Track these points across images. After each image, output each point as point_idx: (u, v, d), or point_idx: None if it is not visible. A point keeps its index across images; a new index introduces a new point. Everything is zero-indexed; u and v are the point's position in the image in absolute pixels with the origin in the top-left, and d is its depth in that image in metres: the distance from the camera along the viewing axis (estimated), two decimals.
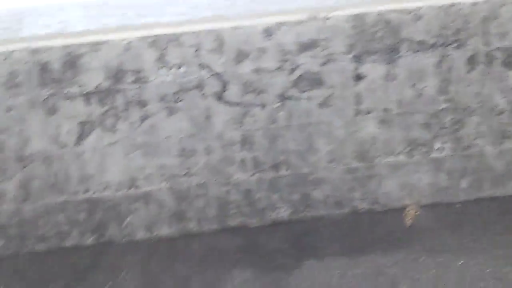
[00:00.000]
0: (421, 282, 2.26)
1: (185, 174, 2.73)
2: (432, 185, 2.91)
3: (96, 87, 2.55)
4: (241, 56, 2.59)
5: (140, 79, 2.57)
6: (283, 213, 2.89)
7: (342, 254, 2.52)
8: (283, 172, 2.80)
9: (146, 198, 2.75)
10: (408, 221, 2.78)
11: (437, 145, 2.83)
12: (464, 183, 2.91)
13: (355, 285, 2.27)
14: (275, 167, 2.79)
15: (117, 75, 2.56)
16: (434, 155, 2.85)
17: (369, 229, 2.72)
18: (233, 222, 2.87)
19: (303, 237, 2.72)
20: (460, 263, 2.35)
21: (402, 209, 2.87)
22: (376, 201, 2.92)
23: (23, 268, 2.66)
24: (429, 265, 2.36)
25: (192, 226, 2.85)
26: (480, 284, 2.21)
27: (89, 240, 2.82)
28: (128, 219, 2.80)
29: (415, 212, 2.83)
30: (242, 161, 2.76)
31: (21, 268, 2.67)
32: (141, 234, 2.83)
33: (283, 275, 2.41)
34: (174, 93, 2.61)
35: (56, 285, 2.49)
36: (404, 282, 2.26)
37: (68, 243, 2.81)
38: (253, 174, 2.78)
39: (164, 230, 2.84)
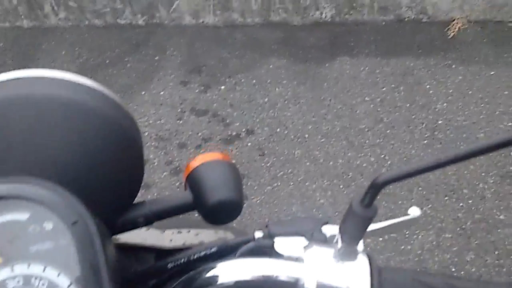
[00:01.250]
0: (445, 84, 2.34)
1: None
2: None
3: None
4: None
5: None
6: (327, 13, 2.90)
7: (376, 55, 2.59)
8: None
9: None
10: (452, 33, 2.73)
11: None
12: None
13: (381, 80, 2.40)
14: None
15: None
16: None
17: (409, 37, 2.72)
18: (276, 17, 2.94)
19: (342, 37, 2.77)
20: (491, 73, 2.38)
21: (449, 22, 2.80)
22: (423, 10, 2.84)
23: (83, 38, 2.95)
24: (459, 72, 2.41)
25: (236, 17, 2.95)
26: (505, 91, 2.26)
27: (141, 20, 3.02)
28: (176, 3, 2.93)
29: (461, 26, 2.76)
30: None
31: (81, 38, 2.96)
32: (188, 20, 2.99)
33: (315, 66, 2.56)
34: None
35: (112, 54, 2.78)
36: (429, 82, 2.35)
37: (122, 21, 3.03)
38: None
39: (210, 18, 2.98)
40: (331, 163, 1.97)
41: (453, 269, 1.55)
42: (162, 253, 0.53)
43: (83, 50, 2.85)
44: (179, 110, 2.32)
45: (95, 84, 0.41)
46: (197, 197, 0.43)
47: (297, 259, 0.40)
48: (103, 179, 0.39)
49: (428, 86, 2.33)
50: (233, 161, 0.48)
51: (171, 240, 0.55)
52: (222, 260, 0.43)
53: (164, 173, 1.98)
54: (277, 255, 0.42)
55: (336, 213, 1.76)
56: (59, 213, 0.31)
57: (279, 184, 1.89)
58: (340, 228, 0.38)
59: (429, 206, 1.76)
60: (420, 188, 1.83)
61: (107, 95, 0.41)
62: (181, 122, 2.24)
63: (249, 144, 2.10)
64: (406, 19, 2.87)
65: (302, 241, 0.43)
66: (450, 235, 1.65)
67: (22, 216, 0.31)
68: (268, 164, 1.99)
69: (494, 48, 2.56)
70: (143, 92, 2.45)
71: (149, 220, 0.44)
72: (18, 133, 0.36)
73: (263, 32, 2.88)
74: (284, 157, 2.02)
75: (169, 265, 0.46)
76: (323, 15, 2.91)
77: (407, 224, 0.47)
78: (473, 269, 1.55)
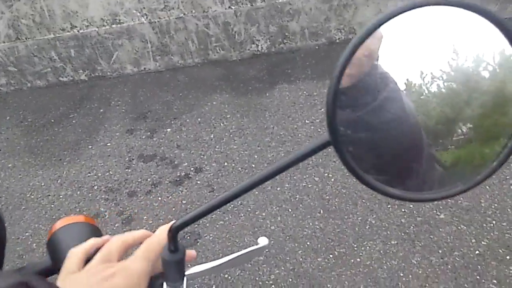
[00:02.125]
0: None
1: (163, 8, 2.82)
2: None
3: None
4: None
5: None
6: (262, 45, 3.02)
7: (312, 79, 2.71)
8: (259, 3, 2.86)
9: (129, 33, 2.90)
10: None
11: None
12: None
13: (319, 102, 2.50)
14: None
15: None
16: None
17: None
18: (215, 55, 3.04)
19: (279, 66, 2.89)
20: None
21: None
22: (352, 30, 3.00)
23: (27, 101, 2.96)
24: None
25: (177, 59, 3.04)
26: None
27: (83, 75, 3.06)
28: (116, 54, 2.99)
29: None
30: None
31: (24, 101, 2.96)
32: (129, 69, 3.05)
33: (256, 97, 2.64)
34: None
35: (56, 112, 2.79)
36: None
37: (64, 78, 3.06)
38: (230, 6, 2.85)
39: (151, 65, 3.05)
40: (278, 188, 2.02)
41: (401, 274, 1.61)
42: None
43: (27, 112, 2.85)
44: (127, 158, 2.34)
45: None
46: (55, 262, 0.45)
47: None
48: None
49: None
50: (95, 223, 0.51)
51: None
52: None
53: (116, 225, 1.98)
54: None
55: (288, 237, 1.81)
56: None
57: (230, 217, 1.93)
58: (164, 274, 0.42)
59: (374, 216, 1.82)
60: (363, 200, 1.90)
61: None
62: (129, 170, 2.26)
63: (198, 182, 2.14)
64: (337, 41, 3.02)
65: None
66: (395, 242, 1.72)
67: None
68: None
69: None
70: (90, 146, 2.46)
71: None
72: None
73: (204, 71, 2.97)
74: None
75: None
76: (259, 47, 3.02)
77: (257, 252, 0.52)
78: (420, 271, 1.61)
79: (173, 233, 0.39)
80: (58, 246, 0.46)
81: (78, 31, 2.87)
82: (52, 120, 2.74)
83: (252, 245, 0.52)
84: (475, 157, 0.31)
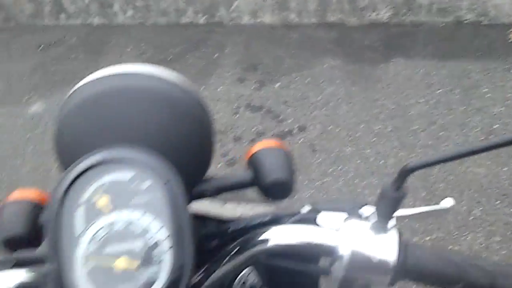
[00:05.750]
0: (504, 88, 2.29)
1: None
2: None
3: None
4: None
5: None
6: (383, 14, 2.91)
7: (433, 57, 2.58)
8: None
9: None
10: None
11: None
12: None
13: (436, 82, 2.39)
14: None
15: None
16: None
17: (467, 39, 2.68)
18: (332, 17, 2.99)
19: (398, 38, 2.78)
20: None
21: (511, 25, 2.73)
22: (484, 13, 2.78)
23: (148, 36, 3.14)
24: None
25: (293, 17, 3.03)
26: None
27: (202, 19, 3.17)
28: (236, 3, 3.05)
29: None
30: None
31: (146, 36, 3.15)
32: (246, 19, 3.10)
33: (369, 67, 2.59)
34: None
35: (174, 51, 2.94)
36: (486, 86, 2.32)
37: (184, 20, 3.20)
38: None
39: (267, 18, 3.07)
40: (381, 162, 2.01)
41: None
42: (222, 222, 0.61)
43: (148, 46, 3.04)
44: (235, 105, 2.43)
45: (181, 79, 0.50)
46: (256, 176, 0.50)
47: (336, 230, 0.47)
48: (182, 156, 0.49)
49: (485, 90, 2.30)
50: (288, 149, 0.55)
51: (230, 211, 0.63)
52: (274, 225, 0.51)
53: (220, 164, 2.10)
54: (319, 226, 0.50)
55: None
56: (155, 174, 0.40)
57: (329, 179, 1.96)
58: (376, 206, 0.44)
59: (478, 208, 1.76)
60: (470, 191, 1.83)
61: (189, 90, 0.50)
62: (236, 117, 2.36)
63: (300, 140, 2.18)
64: (465, 21, 2.83)
65: (342, 216, 0.50)
66: (499, 238, 1.65)
67: (128, 175, 0.41)
68: (319, 160, 2.06)
69: None
70: (202, 88, 2.58)
71: (215, 193, 0.53)
72: (123, 115, 0.46)
73: (318, 32, 2.94)
74: (335, 154, 2.08)
75: (230, 230, 0.54)
76: (380, 16, 2.92)
77: (439, 213, 0.52)
78: None
79: (406, 173, 0.40)
80: (259, 164, 0.49)
81: None
82: (170, 58, 2.89)
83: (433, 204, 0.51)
84: None
